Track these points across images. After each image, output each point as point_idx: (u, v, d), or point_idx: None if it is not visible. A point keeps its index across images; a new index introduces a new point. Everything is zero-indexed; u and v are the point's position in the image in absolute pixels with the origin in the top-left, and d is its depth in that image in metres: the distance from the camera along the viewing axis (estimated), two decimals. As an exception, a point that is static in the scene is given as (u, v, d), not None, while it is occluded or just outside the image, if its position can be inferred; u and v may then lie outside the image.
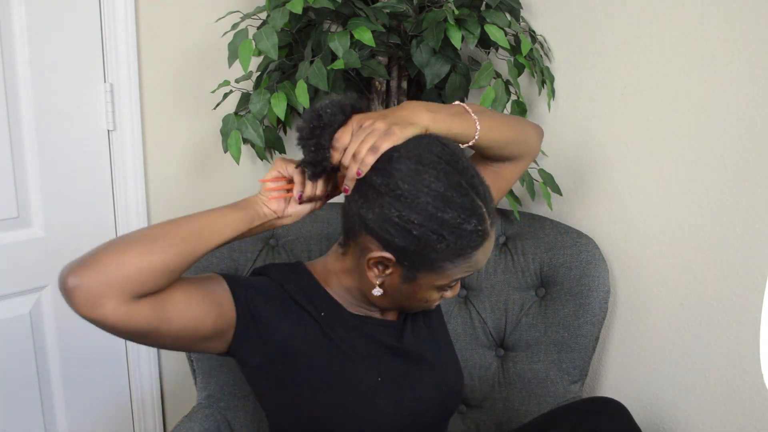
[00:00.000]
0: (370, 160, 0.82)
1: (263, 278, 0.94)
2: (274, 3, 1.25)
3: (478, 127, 0.91)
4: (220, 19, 1.38)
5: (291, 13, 1.20)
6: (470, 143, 0.93)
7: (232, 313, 0.85)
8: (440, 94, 1.49)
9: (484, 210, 0.85)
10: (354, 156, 0.83)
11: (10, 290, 1.34)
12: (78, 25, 1.33)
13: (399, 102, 1.49)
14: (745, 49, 1.13)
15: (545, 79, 1.41)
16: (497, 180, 1.01)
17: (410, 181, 0.82)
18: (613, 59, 1.35)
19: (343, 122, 0.86)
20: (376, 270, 0.88)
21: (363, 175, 0.83)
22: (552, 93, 1.45)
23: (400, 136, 0.83)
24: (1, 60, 1.25)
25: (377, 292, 0.89)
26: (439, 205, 0.82)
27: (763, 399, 1.15)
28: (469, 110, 0.92)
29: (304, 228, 1.43)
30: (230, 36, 1.28)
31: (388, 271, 0.87)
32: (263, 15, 1.42)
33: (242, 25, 1.29)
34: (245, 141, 1.36)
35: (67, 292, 0.70)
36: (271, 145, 1.49)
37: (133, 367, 1.54)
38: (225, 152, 1.31)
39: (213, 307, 0.83)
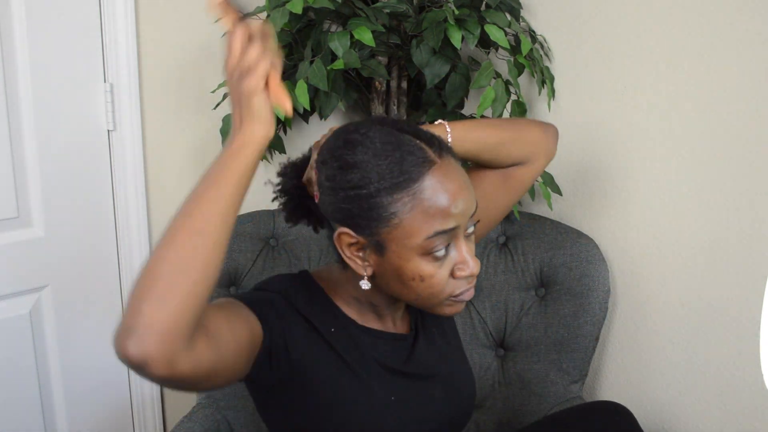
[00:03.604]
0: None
1: (269, 293, 0.87)
2: (274, 3, 1.25)
3: (449, 129, 0.90)
4: (220, 18, 1.38)
5: (291, 13, 1.20)
6: None
7: (260, 332, 0.79)
8: (440, 94, 1.49)
9: (416, 141, 0.79)
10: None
11: (10, 290, 1.34)
12: (78, 25, 1.33)
13: (399, 102, 1.49)
14: (746, 49, 1.13)
15: (545, 79, 1.41)
16: (507, 179, 0.98)
17: (329, 147, 0.81)
18: (613, 59, 1.35)
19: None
20: (357, 260, 0.82)
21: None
22: (552, 93, 1.45)
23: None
24: (1, 60, 1.25)
25: (365, 285, 0.83)
26: (350, 148, 0.78)
27: (763, 399, 1.15)
28: (445, 123, 0.91)
29: (304, 228, 1.42)
30: (230, 36, 1.28)
31: (364, 253, 0.81)
32: (263, 15, 1.41)
33: (242, 25, 1.29)
34: (245, 141, 1.36)
35: (141, 367, 0.63)
36: (271, 145, 1.49)
37: (133, 367, 1.54)
38: (225, 152, 1.31)
39: (246, 332, 0.76)
